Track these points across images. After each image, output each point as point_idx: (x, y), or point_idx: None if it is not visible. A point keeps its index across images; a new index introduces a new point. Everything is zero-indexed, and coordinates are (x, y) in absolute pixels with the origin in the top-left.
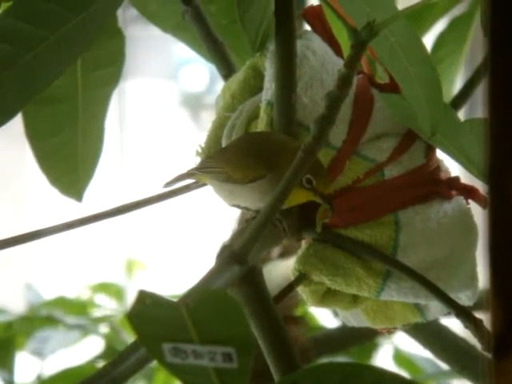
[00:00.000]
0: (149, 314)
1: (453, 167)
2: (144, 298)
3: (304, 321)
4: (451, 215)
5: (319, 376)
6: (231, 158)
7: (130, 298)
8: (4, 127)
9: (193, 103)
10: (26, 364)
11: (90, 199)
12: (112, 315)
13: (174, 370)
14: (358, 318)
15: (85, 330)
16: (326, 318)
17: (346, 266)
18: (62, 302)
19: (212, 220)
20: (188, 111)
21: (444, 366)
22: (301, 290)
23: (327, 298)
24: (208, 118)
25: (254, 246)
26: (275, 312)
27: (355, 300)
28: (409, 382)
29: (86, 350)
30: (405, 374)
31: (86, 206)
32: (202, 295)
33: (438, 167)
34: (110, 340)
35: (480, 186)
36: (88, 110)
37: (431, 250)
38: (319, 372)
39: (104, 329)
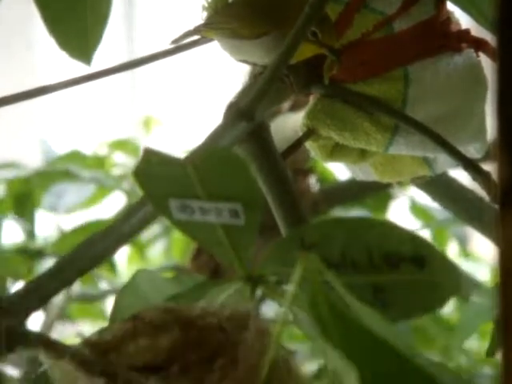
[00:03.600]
0: (155, 171)
1: (463, 19)
2: (150, 156)
3: (315, 173)
4: (461, 68)
5: (326, 231)
6: (238, 14)
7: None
8: None
9: None
10: (44, 218)
11: (99, 61)
12: (130, 172)
13: (182, 226)
14: (366, 172)
15: (103, 187)
16: (337, 170)
17: (354, 120)
18: (77, 157)
19: (227, 74)
20: None
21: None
22: (309, 145)
23: (335, 152)
24: None
25: (261, 103)
26: (283, 167)
27: (363, 154)
28: (418, 237)
29: (107, 206)
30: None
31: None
32: (208, 153)
33: (449, 19)
34: (130, 196)
35: (490, 38)
36: None
37: (440, 104)
38: (326, 227)
39: (125, 185)
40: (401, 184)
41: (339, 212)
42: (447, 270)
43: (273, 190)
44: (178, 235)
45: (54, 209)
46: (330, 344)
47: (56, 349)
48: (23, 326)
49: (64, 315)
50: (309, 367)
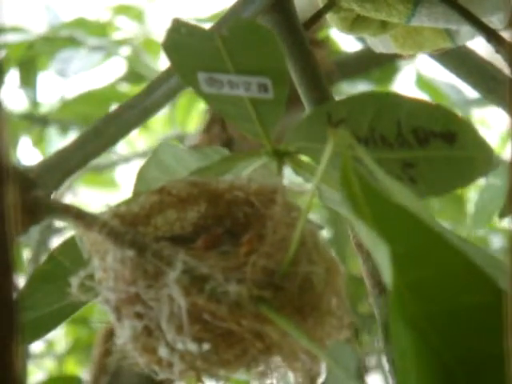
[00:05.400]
0: (183, 43)
1: None
2: (179, 26)
3: (327, 44)
4: None
5: (354, 106)
6: None
7: (151, 20)
8: None
9: None
10: (48, 85)
11: None
12: (133, 38)
13: (210, 99)
14: (386, 45)
15: (107, 52)
16: (346, 42)
17: None
18: (82, 23)
19: None
20: None
21: (466, 94)
22: (329, 17)
23: (356, 24)
24: None
25: None
26: (306, 40)
27: (384, 26)
28: (449, 112)
29: (108, 71)
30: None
31: None
32: (236, 24)
33: None
34: (131, 62)
35: None
36: None
37: None
38: (353, 102)
39: (126, 51)
40: (410, 56)
41: (345, 85)
42: (478, 145)
43: (296, 65)
44: (180, 103)
45: (61, 74)
46: (361, 220)
47: (85, 219)
48: (52, 197)
49: (75, 184)
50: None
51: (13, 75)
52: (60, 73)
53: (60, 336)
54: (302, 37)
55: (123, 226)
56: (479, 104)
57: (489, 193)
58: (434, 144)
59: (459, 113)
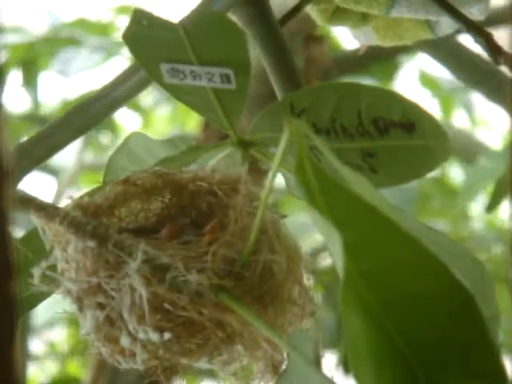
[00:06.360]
0: (146, 34)
1: None
2: (140, 17)
3: (326, 40)
4: None
5: (316, 96)
6: None
7: None
8: None
9: None
10: (50, 85)
11: None
12: None
13: (173, 90)
14: (368, 36)
15: (107, 52)
16: (346, 39)
17: None
18: (83, 23)
19: None
20: None
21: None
22: (309, 9)
23: (336, 16)
24: None
25: None
26: (280, 33)
27: (365, 18)
28: (408, 101)
29: (110, 72)
30: (429, 94)
31: None
32: (200, 16)
33: None
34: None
35: None
36: None
37: None
38: (316, 93)
39: (127, 51)
40: (409, 52)
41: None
42: (437, 133)
43: (270, 58)
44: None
45: (62, 74)
46: (315, 208)
47: (47, 210)
48: (16, 188)
49: (75, 183)
50: (318, 237)
51: (14, 76)
52: (61, 72)
53: (62, 338)
54: (276, 29)
55: (85, 217)
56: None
57: (478, 173)
58: (394, 134)
59: (460, 110)
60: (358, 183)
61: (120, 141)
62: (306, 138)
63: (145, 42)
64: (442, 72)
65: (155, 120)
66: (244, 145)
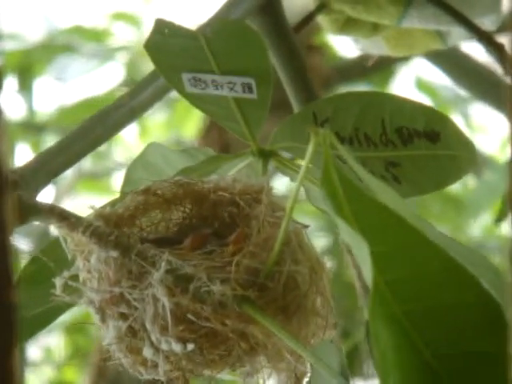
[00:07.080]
0: (167, 43)
1: None
2: (162, 27)
3: (325, 50)
4: None
5: (339, 105)
6: None
7: (148, 27)
8: None
9: None
10: (46, 92)
11: None
12: (130, 44)
13: (194, 99)
14: (378, 47)
15: (103, 59)
16: (344, 47)
17: None
18: (79, 30)
19: None
20: None
21: (465, 95)
22: (321, 19)
23: (348, 26)
24: None
25: None
26: (294, 42)
27: (375, 28)
28: (432, 111)
29: (106, 78)
30: (426, 100)
31: None
32: (221, 25)
33: None
34: (129, 69)
35: None
36: None
37: None
38: (338, 101)
39: (123, 58)
40: (407, 59)
41: (344, 88)
42: (462, 143)
43: (285, 66)
44: (180, 107)
45: (59, 80)
46: (342, 218)
47: (70, 220)
48: (35, 198)
49: (73, 190)
50: (320, 242)
51: (10, 82)
52: (57, 79)
53: (58, 344)
54: (291, 38)
55: (107, 227)
56: (474, 102)
57: (483, 189)
58: (418, 143)
59: (457, 116)
60: (384, 193)
61: (117, 148)
62: (332, 147)
63: (166, 52)
64: (437, 78)
65: (151, 127)
66: (264, 155)
